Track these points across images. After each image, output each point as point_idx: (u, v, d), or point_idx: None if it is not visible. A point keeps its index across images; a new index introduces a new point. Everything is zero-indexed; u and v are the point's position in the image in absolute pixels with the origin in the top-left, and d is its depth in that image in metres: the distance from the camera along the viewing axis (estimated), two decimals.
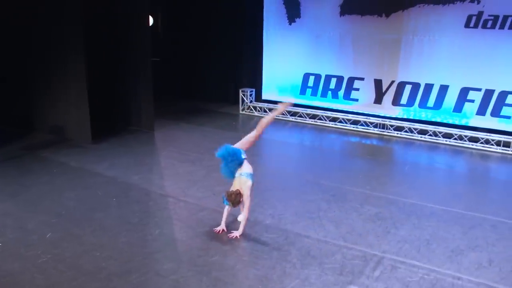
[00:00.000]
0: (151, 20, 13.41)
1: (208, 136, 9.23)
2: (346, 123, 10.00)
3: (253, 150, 8.20)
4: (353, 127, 9.90)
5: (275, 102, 11.11)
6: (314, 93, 10.62)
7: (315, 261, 4.59)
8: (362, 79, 9.88)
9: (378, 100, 9.76)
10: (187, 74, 12.63)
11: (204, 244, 4.95)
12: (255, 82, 11.59)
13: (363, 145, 9.17)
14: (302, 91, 10.77)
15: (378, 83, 9.71)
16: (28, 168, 7.21)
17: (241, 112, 11.42)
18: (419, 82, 9.19)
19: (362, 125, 9.84)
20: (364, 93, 9.91)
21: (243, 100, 11.40)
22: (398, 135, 9.40)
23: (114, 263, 4.53)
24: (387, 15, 9.24)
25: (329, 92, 10.39)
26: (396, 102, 9.54)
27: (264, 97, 11.45)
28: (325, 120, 10.27)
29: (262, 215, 5.63)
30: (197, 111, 11.44)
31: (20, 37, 8.66)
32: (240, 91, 11.37)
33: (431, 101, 9.14)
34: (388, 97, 9.62)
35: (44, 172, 6.97)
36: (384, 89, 9.65)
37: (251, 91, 11.41)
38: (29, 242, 4.90)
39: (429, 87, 9.11)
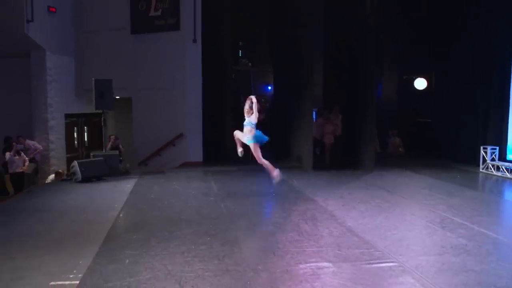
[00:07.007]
0: (424, 83, 14.61)
1: (414, 180, 9.96)
2: None
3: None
4: None
5: None
6: None
7: None
8: None
9: None
10: (441, 131, 13.12)
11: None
12: (501, 140, 10.92)
13: None
14: None
15: None
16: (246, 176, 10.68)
17: (481, 170, 10.99)
18: None
19: None
20: None
21: (484, 159, 10.96)
22: None
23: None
24: None
25: None
26: None
27: (509, 157, 10.63)
28: None
29: None
30: (433, 164, 11.91)
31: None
32: (481, 148, 11.00)
33: None
34: None
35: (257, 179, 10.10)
36: None
37: (493, 149, 10.82)
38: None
39: None
